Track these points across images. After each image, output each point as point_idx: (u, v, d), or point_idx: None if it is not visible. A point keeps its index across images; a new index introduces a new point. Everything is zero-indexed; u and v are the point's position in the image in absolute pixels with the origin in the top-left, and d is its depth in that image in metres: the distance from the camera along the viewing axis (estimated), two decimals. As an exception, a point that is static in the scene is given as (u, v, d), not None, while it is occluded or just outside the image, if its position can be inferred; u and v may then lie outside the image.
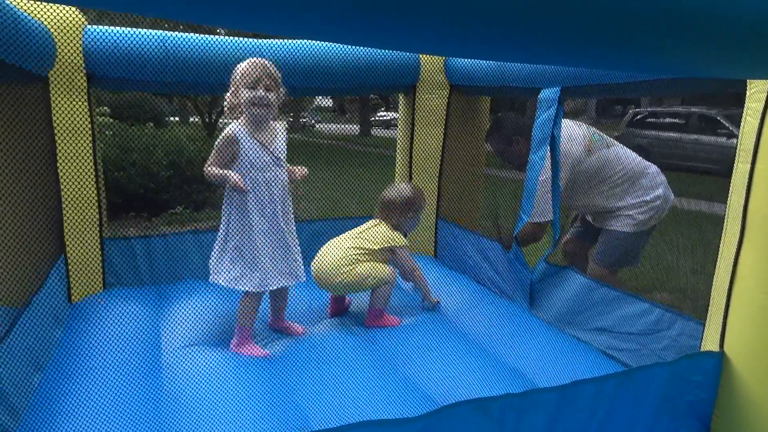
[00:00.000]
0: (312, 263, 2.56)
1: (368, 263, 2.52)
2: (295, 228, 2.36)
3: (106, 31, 2.50)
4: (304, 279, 2.38)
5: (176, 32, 2.65)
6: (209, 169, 2.21)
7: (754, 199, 1.60)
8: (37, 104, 2.36)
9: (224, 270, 2.25)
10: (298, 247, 2.36)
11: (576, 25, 0.95)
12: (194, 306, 2.63)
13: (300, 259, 2.36)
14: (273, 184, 2.24)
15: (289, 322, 2.51)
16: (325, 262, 2.51)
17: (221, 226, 2.27)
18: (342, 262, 2.48)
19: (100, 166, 2.76)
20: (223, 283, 2.26)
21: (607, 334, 2.27)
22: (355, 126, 18.23)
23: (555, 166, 2.44)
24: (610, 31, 0.99)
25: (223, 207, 2.27)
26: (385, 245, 2.59)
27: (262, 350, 2.28)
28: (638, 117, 12.17)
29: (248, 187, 2.17)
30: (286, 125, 2.36)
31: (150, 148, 5.80)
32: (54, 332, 2.26)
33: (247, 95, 2.15)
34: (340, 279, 2.47)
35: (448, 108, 3.34)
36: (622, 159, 2.68)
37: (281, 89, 2.24)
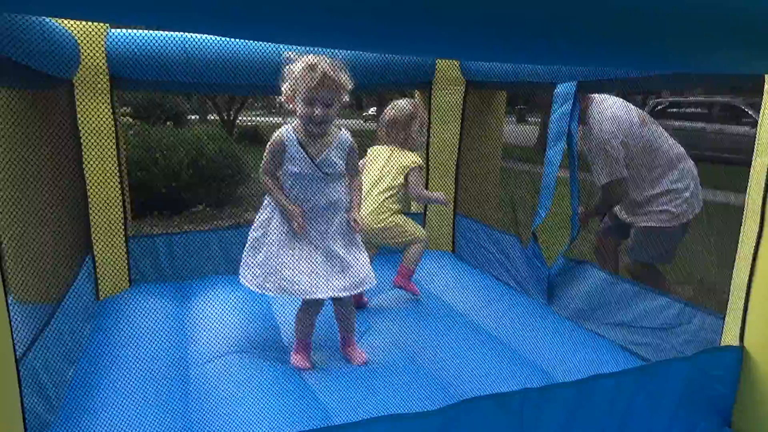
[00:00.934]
0: None
1: (403, 216, 2.65)
2: (356, 243, 2.21)
3: (129, 34, 2.56)
4: (361, 289, 2.19)
5: (197, 34, 2.70)
6: (263, 178, 2.12)
7: (773, 193, 1.59)
8: (64, 108, 2.43)
9: (250, 273, 2.15)
10: (360, 262, 2.16)
11: (604, 27, 0.96)
12: (217, 302, 2.69)
13: (358, 272, 2.14)
14: (317, 198, 2.09)
15: (354, 348, 2.25)
16: (362, 212, 2.55)
17: (257, 225, 2.17)
18: (379, 210, 2.60)
19: (124, 166, 2.83)
20: (248, 286, 2.16)
21: (626, 328, 2.27)
22: (372, 123, 18.22)
23: (572, 161, 2.44)
24: (635, 31, 1.00)
25: (264, 208, 2.17)
26: (407, 169, 2.64)
27: (306, 362, 2.17)
28: (659, 107, 11.99)
29: (303, 222, 2.04)
30: (349, 133, 2.18)
31: (171, 148, 5.90)
32: (84, 328, 2.33)
33: (302, 110, 2.00)
34: (379, 225, 2.59)
35: (464, 104, 3.35)
36: (668, 139, 2.67)
37: (344, 93, 2.05)
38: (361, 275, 2.14)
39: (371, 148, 2.86)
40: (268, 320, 2.56)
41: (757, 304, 1.68)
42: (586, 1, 0.92)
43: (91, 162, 2.60)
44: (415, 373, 2.08)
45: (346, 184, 2.19)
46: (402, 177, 2.64)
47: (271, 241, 2.12)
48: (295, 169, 2.07)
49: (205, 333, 2.38)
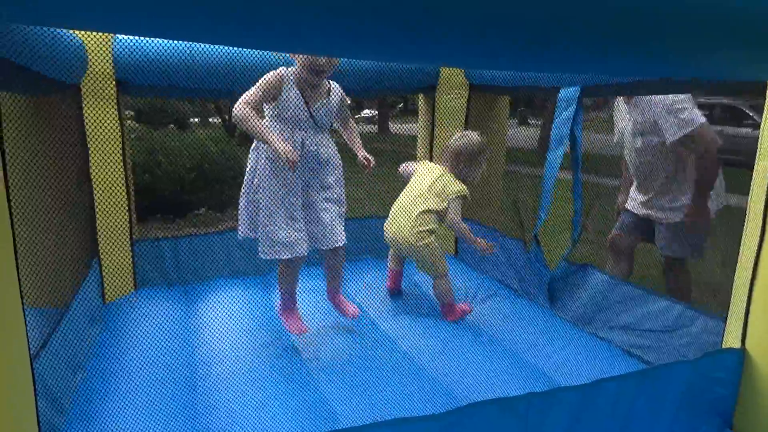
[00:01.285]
0: (385, 225, 2.76)
1: (435, 239, 2.65)
2: (337, 199, 2.29)
3: (136, 40, 2.59)
4: (331, 246, 2.28)
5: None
6: (244, 109, 1.98)
7: (775, 198, 1.61)
8: (71, 113, 2.46)
9: (243, 224, 2.27)
10: (334, 220, 2.27)
11: (603, 33, 0.98)
12: (223, 305, 2.71)
13: (331, 230, 2.25)
14: (306, 146, 2.12)
15: (344, 300, 2.48)
16: (397, 226, 2.67)
17: (246, 175, 2.22)
18: (418, 225, 2.61)
19: (130, 171, 2.86)
20: (240, 236, 2.29)
21: (628, 331, 2.28)
22: (373, 125, 18.27)
23: (576, 164, 2.46)
24: (635, 33, 1.02)
25: (252, 156, 2.19)
26: (451, 198, 2.64)
27: (302, 325, 2.32)
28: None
29: (296, 161, 1.96)
30: (341, 90, 2.25)
31: (175, 151, 5.92)
32: (91, 332, 2.36)
33: (307, 57, 2.04)
34: (414, 240, 2.61)
35: (468, 107, 3.37)
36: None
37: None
38: (335, 232, 2.27)
39: (425, 161, 2.89)
40: (274, 322, 2.58)
41: (759, 306, 1.70)
42: (586, 2, 0.93)
43: (98, 166, 2.63)
44: (419, 377, 2.10)
45: (333, 143, 2.26)
46: (446, 204, 2.62)
47: (260, 198, 2.16)
48: (287, 114, 2.07)
49: (211, 336, 2.40)
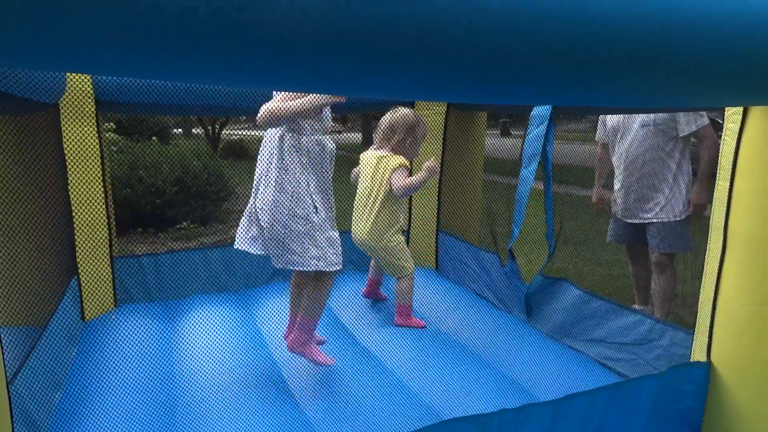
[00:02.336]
0: (352, 230, 2.79)
1: (400, 239, 2.71)
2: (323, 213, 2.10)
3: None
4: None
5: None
6: (285, 105, 1.93)
7: (733, 216, 1.68)
8: (49, 131, 2.46)
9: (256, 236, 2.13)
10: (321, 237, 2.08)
11: (569, 70, 1.03)
12: (204, 322, 2.71)
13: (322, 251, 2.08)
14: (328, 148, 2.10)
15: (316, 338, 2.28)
16: (357, 228, 2.74)
17: (268, 177, 2.06)
18: (377, 228, 2.66)
19: (109, 188, 2.86)
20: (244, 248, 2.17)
21: (602, 344, 2.34)
22: (357, 134, 18.32)
23: (547, 181, 2.52)
24: (601, 76, 1.07)
25: (272, 163, 2.04)
26: (390, 173, 2.64)
27: (326, 356, 2.19)
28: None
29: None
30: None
31: (156, 165, 5.91)
32: (69, 350, 2.35)
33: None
34: (377, 244, 2.68)
35: (446, 123, 3.43)
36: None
37: None
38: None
39: (362, 154, 2.82)
40: (256, 338, 2.59)
41: (722, 320, 1.76)
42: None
43: (77, 184, 2.63)
44: (397, 392, 2.12)
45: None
46: (388, 188, 2.64)
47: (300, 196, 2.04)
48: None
49: (192, 353, 2.40)
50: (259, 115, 1.97)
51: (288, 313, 2.37)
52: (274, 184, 2.02)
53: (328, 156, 2.12)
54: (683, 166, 2.74)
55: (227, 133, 13.91)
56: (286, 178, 2.02)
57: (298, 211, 2.03)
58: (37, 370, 1.86)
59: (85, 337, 2.55)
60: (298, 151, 2.03)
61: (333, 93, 1.88)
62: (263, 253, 2.14)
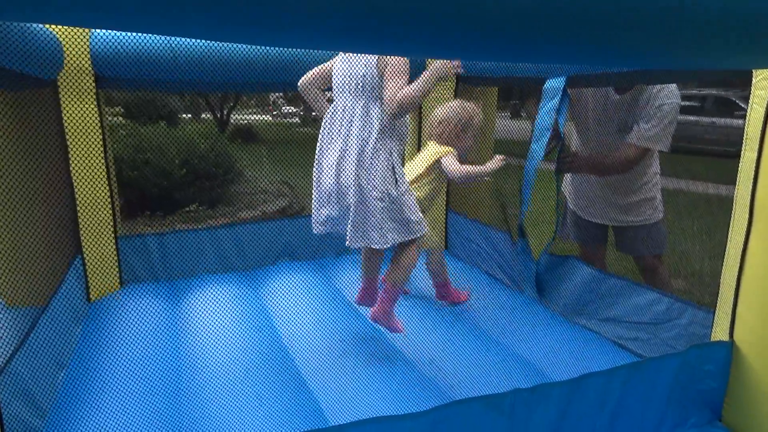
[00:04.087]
0: None
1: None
2: (394, 193, 2.01)
3: (113, 33, 2.53)
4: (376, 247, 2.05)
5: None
6: (416, 89, 1.94)
7: (761, 188, 1.59)
8: (48, 108, 2.41)
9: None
10: (387, 215, 2.01)
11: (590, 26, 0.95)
12: (211, 302, 2.68)
13: (379, 228, 2.01)
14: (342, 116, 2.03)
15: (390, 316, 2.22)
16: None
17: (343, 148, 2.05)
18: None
19: (111, 166, 2.81)
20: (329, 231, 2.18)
21: (617, 324, 2.26)
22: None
23: (560, 153, 2.44)
24: (620, 32, 0.99)
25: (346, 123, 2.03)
26: (432, 161, 2.46)
27: (398, 322, 2.19)
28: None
29: None
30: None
31: (163, 147, 5.87)
32: (74, 331, 2.32)
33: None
34: None
35: (455, 98, 3.33)
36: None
37: None
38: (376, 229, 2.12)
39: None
40: (263, 318, 2.55)
41: (747, 298, 1.68)
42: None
43: (78, 162, 2.58)
44: (407, 372, 2.08)
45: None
46: (428, 167, 2.45)
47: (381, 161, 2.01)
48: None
49: (198, 333, 2.37)
50: (394, 104, 1.91)
51: (361, 278, 2.34)
52: (356, 163, 1.98)
53: (405, 130, 2.10)
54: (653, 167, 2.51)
55: (236, 117, 13.84)
56: (375, 156, 1.98)
57: (383, 188, 1.99)
58: (39, 350, 1.83)
59: (91, 316, 2.52)
60: (388, 129, 2.00)
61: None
62: (337, 231, 2.14)
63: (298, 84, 2.25)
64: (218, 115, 13.06)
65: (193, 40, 2.61)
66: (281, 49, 2.78)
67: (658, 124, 2.32)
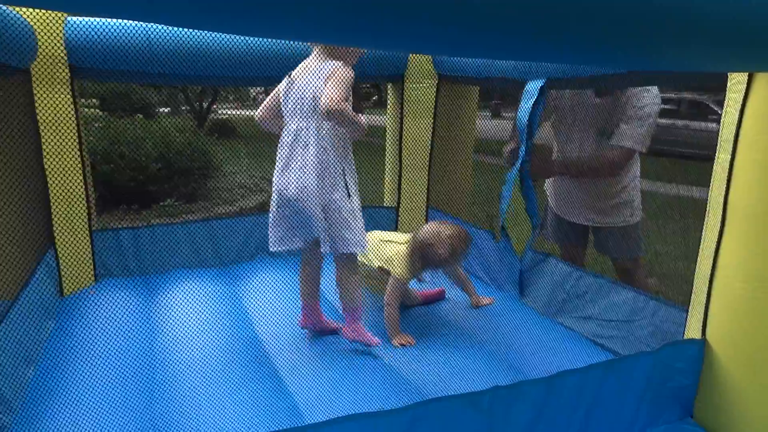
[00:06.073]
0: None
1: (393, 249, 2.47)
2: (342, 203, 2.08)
3: (88, 22, 2.47)
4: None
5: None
6: (344, 105, 1.97)
7: (734, 190, 1.62)
8: (20, 97, 2.34)
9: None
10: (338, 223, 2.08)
11: (576, 27, 0.95)
12: (185, 297, 2.64)
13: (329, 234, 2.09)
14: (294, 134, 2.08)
15: (329, 321, 2.36)
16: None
17: (319, 165, 2.09)
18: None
19: (86, 158, 2.74)
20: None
21: (594, 321, 2.29)
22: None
23: (526, 154, 2.45)
24: (604, 34, 0.99)
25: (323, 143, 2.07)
26: (384, 264, 2.46)
27: (373, 336, 2.19)
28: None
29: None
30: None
31: (139, 141, 5.76)
32: (46, 326, 2.26)
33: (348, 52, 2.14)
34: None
35: (437, 97, 3.34)
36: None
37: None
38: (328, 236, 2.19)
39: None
40: (240, 314, 2.52)
41: (719, 297, 1.71)
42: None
43: (51, 153, 2.52)
44: (385, 370, 2.07)
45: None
46: (379, 262, 2.48)
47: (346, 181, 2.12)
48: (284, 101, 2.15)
49: (172, 328, 2.33)
50: (331, 107, 1.93)
51: (301, 301, 2.33)
52: (313, 172, 2.03)
53: (350, 141, 2.15)
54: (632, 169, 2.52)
55: (215, 111, 13.67)
56: (325, 166, 2.05)
57: (335, 197, 2.07)
58: (6, 345, 1.77)
59: (63, 312, 2.46)
60: (336, 138, 2.07)
61: None
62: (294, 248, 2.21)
63: (256, 119, 2.28)
64: (197, 109, 12.89)
65: (172, 30, 2.56)
66: (262, 42, 2.74)
67: (641, 125, 2.35)
